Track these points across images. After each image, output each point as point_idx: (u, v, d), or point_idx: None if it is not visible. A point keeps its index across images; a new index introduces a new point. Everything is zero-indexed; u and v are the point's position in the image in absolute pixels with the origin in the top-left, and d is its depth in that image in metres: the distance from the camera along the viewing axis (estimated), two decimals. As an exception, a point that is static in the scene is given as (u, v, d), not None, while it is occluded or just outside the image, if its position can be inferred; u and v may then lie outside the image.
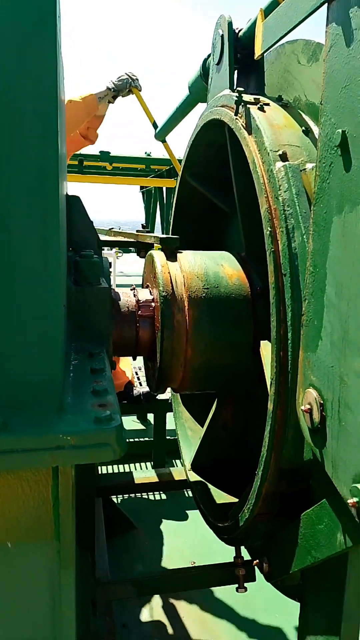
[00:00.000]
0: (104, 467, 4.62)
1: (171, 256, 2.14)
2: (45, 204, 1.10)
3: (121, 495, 4.27)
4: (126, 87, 4.07)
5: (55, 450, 1.07)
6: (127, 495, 4.27)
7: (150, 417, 5.55)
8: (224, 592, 3.22)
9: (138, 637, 2.91)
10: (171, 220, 2.85)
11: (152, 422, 4.96)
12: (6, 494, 1.17)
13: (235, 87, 2.04)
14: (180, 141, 2.67)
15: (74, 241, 2.02)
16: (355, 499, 1.10)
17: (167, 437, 4.81)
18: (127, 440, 5.27)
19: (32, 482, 1.18)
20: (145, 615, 3.09)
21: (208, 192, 2.57)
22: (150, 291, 2.15)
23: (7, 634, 1.27)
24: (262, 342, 1.93)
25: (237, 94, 1.85)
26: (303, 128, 1.72)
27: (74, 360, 1.54)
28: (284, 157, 1.58)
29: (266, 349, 1.87)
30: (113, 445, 1.10)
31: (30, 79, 1.03)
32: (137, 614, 3.09)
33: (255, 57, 1.76)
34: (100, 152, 9.57)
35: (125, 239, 2.86)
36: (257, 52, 1.74)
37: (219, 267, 2.10)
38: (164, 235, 2.28)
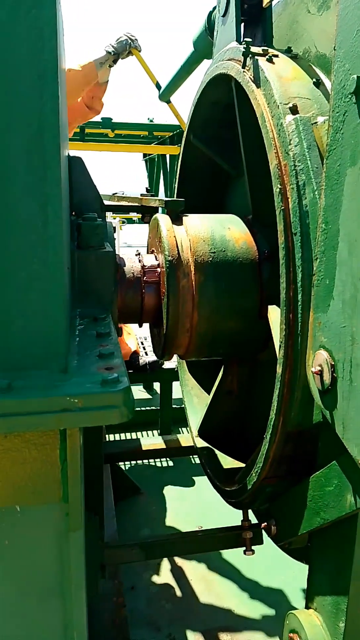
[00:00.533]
0: (110, 435, 4.66)
1: (176, 220, 2.09)
2: (45, 157, 1.06)
3: (129, 462, 4.32)
4: (126, 48, 3.92)
5: (62, 412, 1.05)
6: (134, 462, 4.32)
7: (157, 386, 5.58)
8: (230, 555, 3.28)
9: (146, 598, 2.97)
10: (175, 185, 2.78)
11: (159, 391, 4.99)
12: (14, 457, 1.16)
13: (242, 40, 1.95)
14: (187, 102, 2.57)
15: (76, 205, 1.96)
16: (367, 459, 1.08)
17: (174, 406, 4.85)
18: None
19: (39, 445, 1.16)
20: (152, 578, 3.16)
21: (213, 154, 2.49)
22: (155, 256, 2.10)
23: (16, 596, 1.28)
24: (269, 306, 1.89)
25: (244, 46, 1.76)
26: (314, 80, 1.64)
27: (79, 325, 1.51)
28: (294, 110, 1.51)
29: (274, 313, 1.84)
30: (120, 407, 1.08)
31: (27, 18, 0.97)
32: (145, 577, 3.15)
33: (264, 5, 1.67)
34: (102, 118, 9.35)
35: (129, 204, 2.79)
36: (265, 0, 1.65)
37: (226, 230, 2.04)
38: (169, 199, 2.22)
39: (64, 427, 1.10)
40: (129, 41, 3.92)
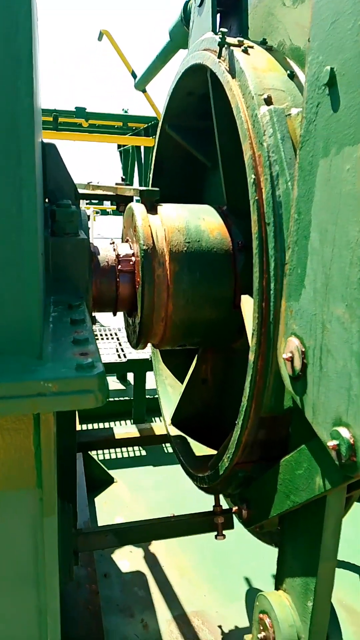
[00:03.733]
0: (84, 425, 4.66)
1: (151, 209, 2.09)
2: (20, 142, 1.05)
3: (102, 452, 4.33)
4: None
5: (36, 397, 1.05)
6: (107, 450, 4.33)
7: (130, 377, 5.58)
8: (203, 542, 3.32)
9: (119, 585, 3.00)
10: (150, 175, 2.77)
11: (132, 382, 4.99)
12: (-13, 443, 1.15)
13: (218, 30, 1.96)
14: (163, 92, 2.56)
15: (50, 191, 1.95)
16: (335, 442, 1.11)
17: (148, 397, 4.86)
18: (108, 399, 5.33)
19: (12, 430, 1.16)
20: (126, 565, 3.19)
21: (188, 145, 2.49)
22: (130, 245, 2.10)
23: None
24: (243, 296, 1.92)
25: (220, 37, 1.77)
26: (288, 72, 1.66)
27: (53, 313, 1.51)
28: (268, 101, 1.53)
29: (247, 302, 1.86)
30: (95, 392, 1.09)
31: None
32: (119, 564, 3.18)
33: (239, -5, 1.68)
34: (76, 108, 9.24)
35: (104, 192, 2.77)
36: (242, -10, 1.66)
37: (200, 220, 2.06)
38: (144, 188, 2.22)
39: (39, 411, 1.10)
40: None
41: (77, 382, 1.07)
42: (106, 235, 14.82)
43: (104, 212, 15.15)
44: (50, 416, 1.16)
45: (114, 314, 2.22)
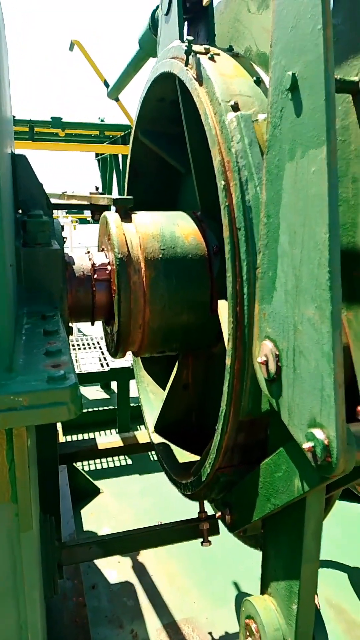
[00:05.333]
0: (69, 436, 4.61)
1: (126, 217, 2.08)
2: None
3: (87, 462, 4.29)
4: None
5: (6, 412, 1.03)
6: (93, 461, 4.29)
7: (114, 385, 5.55)
8: (191, 547, 3.31)
9: (107, 596, 2.96)
10: (126, 183, 2.77)
11: (116, 390, 4.97)
12: None
13: (185, 38, 1.97)
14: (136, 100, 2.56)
15: (21, 202, 1.94)
16: (310, 444, 1.11)
17: (131, 405, 4.84)
18: (92, 409, 5.27)
19: (-16, 446, 1.14)
20: (114, 575, 3.15)
21: (161, 151, 2.50)
22: (105, 254, 2.10)
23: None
24: (219, 301, 1.92)
25: (186, 44, 1.78)
26: (254, 78, 1.67)
27: (26, 324, 1.49)
28: (235, 108, 1.54)
29: (223, 306, 1.87)
30: (68, 404, 1.07)
31: None
32: (106, 575, 3.14)
33: (203, 3, 1.69)
34: (52, 118, 9.22)
35: (79, 202, 2.77)
36: (206, -3, 1.67)
37: (175, 226, 2.06)
38: (118, 196, 2.22)
39: (10, 426, 1.09)
40: None
41: (49, 395, 1.06)
42: (86, 244, 14.76)
43: (84, 221, 15.10)
44: (23, 430, 1.14)
45: (92, 324, 2.21)
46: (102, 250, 2.16)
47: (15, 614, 1.26)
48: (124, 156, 9.77)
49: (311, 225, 1.13)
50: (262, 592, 1.64)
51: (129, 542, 2.14)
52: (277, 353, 1.28)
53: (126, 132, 9.48)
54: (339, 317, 1.09)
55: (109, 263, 2.04)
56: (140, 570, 3.17)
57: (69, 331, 2.02)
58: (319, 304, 1.11)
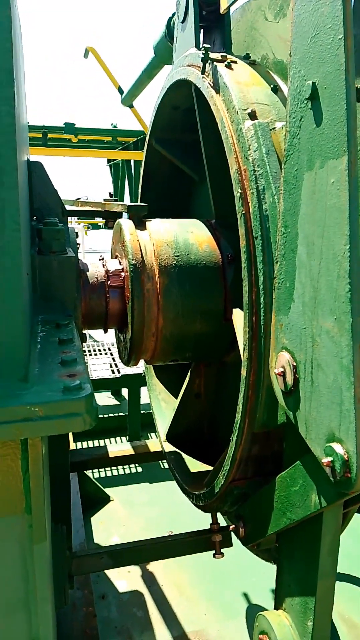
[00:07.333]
0: (79, 443, 4.60)
1: (139, 224, 2.08)
2: (1, 162, 1.04)
3: (97, 470, 4.28)
4: None
5: (22, 422, 1.02)
6: (103, 469, 4.27)
7: (125, 392, 5.54)
8: (201, 559, 3.28)
9: (117, 607, 2.94)
10: (139, 190, 2.77)
11: (127, 397, 4.95)
12: (-27, 469, 1.12)
13: (201, 45, 1.96)
14: (151, 107, 2.57)
15: (37, 210, 1.94)
16: (329, 458, 1.09)
17: (142, 412, 4.82)
18: (102, 416, 5.26)
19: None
20: (124, 585, 3.13)
21: (176, 159, 2.49)
22: (119, 261, 2.09)
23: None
24: (234, 310, 1.91)
25: (203, 52, 1.78)
26: (272, 86, 1.66)
27: (41, 332, 1.49)
28: (252, 116, 1.53)
29: (238, 315, 1.85)
30: (83, 415, 1.06)
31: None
32: (116, 585, 3.12)
33: (221, 12, 1.69)
34: (65, 123, 9.28)
35: (93, 209, 2.77)
36: (223, 5, 1.67)
37: (189, 234, 2.05)
38: (132, 203, 2.21)
39: (25, 436, 1.08)
40: None
41: (64, 405, 1.04)
42: (98, 249, 14.81)
43: (96, 226, 15.17)
44: (37, 440, 1.13)
45: (105, 331, 2.20)
46: (116, 257, 2.16)
47: (26, 628, 1.25)
48: (136, 162, 9.81)
49: (330, 236, 1.11)
50: (277, 607, 1.61)
51: (140, 553, 2.12)
52: (295, 365, 1.27)
53: (138, 138, 9.52)
54: (359, 330, 1.07)
55: (122, 270, 2.03)
56: (149, 580, 3.15)
57: (83, 339, 2.01)
58: (338, 316, 1.09)
